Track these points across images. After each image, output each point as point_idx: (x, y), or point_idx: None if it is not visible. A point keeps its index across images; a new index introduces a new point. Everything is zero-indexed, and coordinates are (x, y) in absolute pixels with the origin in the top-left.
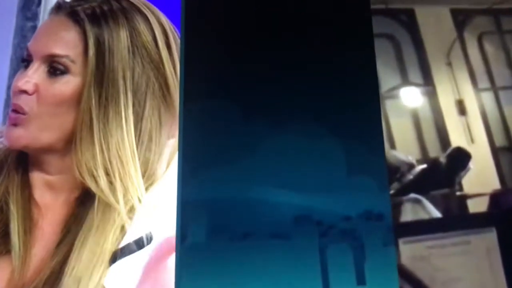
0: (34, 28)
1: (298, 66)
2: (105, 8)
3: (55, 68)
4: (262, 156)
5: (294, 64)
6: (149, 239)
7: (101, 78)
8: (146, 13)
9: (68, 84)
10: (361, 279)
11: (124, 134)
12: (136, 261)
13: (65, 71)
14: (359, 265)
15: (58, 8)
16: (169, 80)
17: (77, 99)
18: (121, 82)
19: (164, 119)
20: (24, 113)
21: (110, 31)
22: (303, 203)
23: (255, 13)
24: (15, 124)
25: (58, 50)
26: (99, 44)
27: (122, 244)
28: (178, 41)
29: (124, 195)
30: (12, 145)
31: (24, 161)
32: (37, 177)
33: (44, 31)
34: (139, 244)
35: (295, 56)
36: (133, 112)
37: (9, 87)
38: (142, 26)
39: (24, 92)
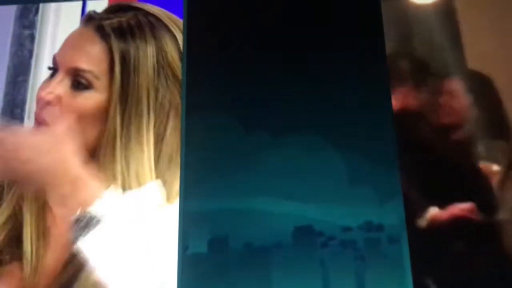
0: (31, 36)
1: (300, 79)
2: (133, 23)
3: (78, 81)
4: (263, 167)
5: (295, 77)
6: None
7: (126, 96)
8: (174, 30)
9: (89, 99)
10: None
11: (145, 155)
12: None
13: (88, 86)
14: (359, 276)
15: (88, 19)
16: None
17: (100, 115)
18: (144, 101)
19: None
20: (46, 125)
21: (137, 48)
22: (303, 214)
23: (257, 28)
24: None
25: (82, 64)
26: (124, 62)
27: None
28: None
29: None
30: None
31: None
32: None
33: (71, 42)
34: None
35: (297, 70)
36: (154, 132)
37: (6, 95)
38: (169, 45)
39: (48, 103)
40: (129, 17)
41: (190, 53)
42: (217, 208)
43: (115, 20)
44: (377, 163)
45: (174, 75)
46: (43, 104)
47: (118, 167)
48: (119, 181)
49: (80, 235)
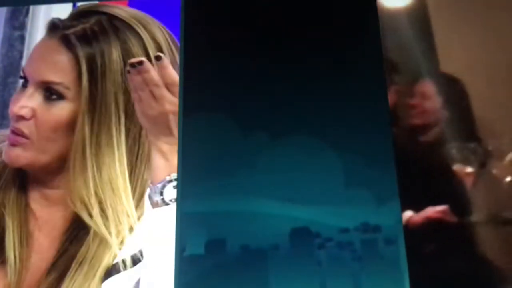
0: (21, 37)
1: (298, 81)
2: (97, 29)
3: (50, 93)
4: (261, 169)
5: (293, 79)
6: (139, 258)
7: (94, 103)
8: (140, 31)
9: (63, 110)
10: None
11: (116, 161)
12: (125, 279)
13: (60, 97)
14: (356, 277)
15: (51, 28)
16: None
17: (73, 124)
18: (113, 106)
19: None
20: (26, 137)
21: (103, 55)
22: (300, 216)
23: (254, 28)
24: (15, 145)
25: (52, 77)
26: (91, 70)
27: (114, 261)
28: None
29: (116, 226)
30: (11, 164)
31: (21, 173)
32: (34, 190)
33: (38, 55)
34: (132, 262)
35: (294, 71)
36: (130, 136)
37: None
38: (135, 47)
39: (22, 117)
40: (92, 23)
41: (187, 54)
42: (214, 210)
43: (79, 28)
44: (374, 165)
45: None
46: (17, 118)
47: (89, 174)
48: (91, 188)
49: (170, 196)
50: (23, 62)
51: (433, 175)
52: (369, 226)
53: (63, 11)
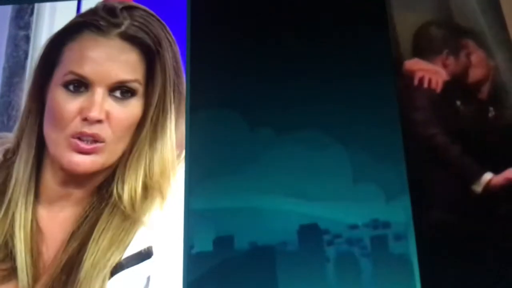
0: (26, 37)
1: (305, 76)
2: (142, 21)
3: (124, 92)
4: (268, 165)
5: (300, 74)
6: (149, 253)
7: (160, 95)
8: (159, 19)
9: (136, 107)
10: (368, 287)
11: (168, 153)
12: (135, 275)
13: (133, 94)
14: (366, 274)
15: (99, 29)
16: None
17: (141, 119)
18: (168, 99)
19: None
20: (103, 141)
21: (160, 45)
22: (309, 212)
23: (261, 24)
24: (89, 153)
25: (127, 75)
26: (160, 63)
27: (124, 256)
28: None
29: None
30: (83, 172)
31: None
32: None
33: (101, 56)
34: (140, 257)
35: (301, 66)
36: (178, 126)
37: (2, 96)
38: (167, 33)
39: (98, 121)
40: (134, 17)
41: (194, 50)
42: (222, 206)
43: (127, 24)
44: (383, 160)
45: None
46: (93, 123)
47: (143, 166)
48: (141, 180)
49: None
50: (28, 62)
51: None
52: (378, 222)
53: (68, 9)
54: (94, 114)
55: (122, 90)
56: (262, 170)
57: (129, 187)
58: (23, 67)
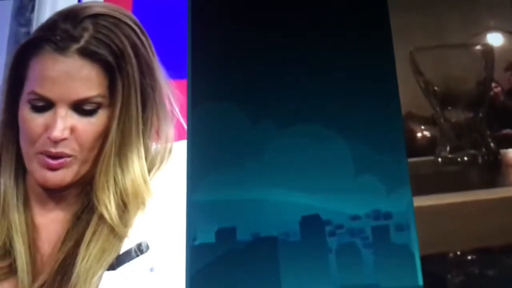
0: (27, 34)
1: (305, 69)
2: (103, 31)
3: (86, 106)
4: (270, 157)
5: (301, 67)
6: (146, 248)
7: (124, 104)
8: (128, 21)
9: (102, 118)
10: (370, 278)
11: (142, 158)
12: (138, 267)
13: (98, 107)
14: (368, 264)
15: (57, 45)
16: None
17: (109, 128)
18: (134, 103)
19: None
20: (68, 156)
21: (122, 54)
22: (311, 203)
23: (262, 17)
24: (56, 169)
25: (88, 92)
26: (120, 73)
27: (121, 251)
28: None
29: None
30: (53, 187)
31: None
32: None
33: (60, 76)
34: (137, 252)
35: (303, 59)
36: (146, 129)
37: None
38: (134, 37)
39: (62, 140)
40: (92, 27)
41: (195, 43)
42: (224, 198)
43: (87, 37)
44: (384, 151)
45: (147, 64)
46: (57, 142)
47: (112, 171)
48: (112, 184)
49: None
50: None
51: None
52: (380, 213)
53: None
54: (57, 134)
55: (87, 106)
56: (264, 163)
57: (102, 200)
58: None
